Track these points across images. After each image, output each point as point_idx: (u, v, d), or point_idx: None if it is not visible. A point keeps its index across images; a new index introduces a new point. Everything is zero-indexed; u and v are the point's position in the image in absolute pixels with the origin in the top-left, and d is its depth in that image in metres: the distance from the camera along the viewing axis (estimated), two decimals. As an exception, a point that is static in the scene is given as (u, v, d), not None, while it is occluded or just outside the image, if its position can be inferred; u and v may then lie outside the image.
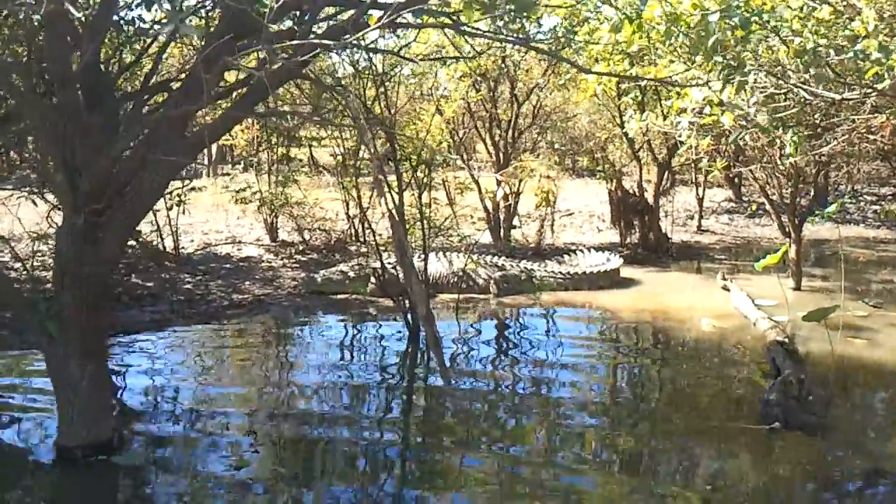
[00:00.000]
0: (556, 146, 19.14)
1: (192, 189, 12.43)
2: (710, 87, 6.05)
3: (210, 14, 5.81)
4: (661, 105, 12.18)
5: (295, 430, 6.14)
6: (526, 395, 7.04)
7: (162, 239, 12.05)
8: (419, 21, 4.80)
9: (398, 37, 8.60)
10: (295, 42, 3.86)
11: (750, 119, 5.43)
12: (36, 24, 5.23)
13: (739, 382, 7.31)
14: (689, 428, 6.18)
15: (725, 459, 5.59)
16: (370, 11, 4.37)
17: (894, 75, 4.61)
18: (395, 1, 3.80)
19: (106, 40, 6.57)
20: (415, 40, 8.02)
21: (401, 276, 8.60)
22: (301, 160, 15.40)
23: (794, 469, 5.48)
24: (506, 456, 5.79)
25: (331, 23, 5.07)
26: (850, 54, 4.61)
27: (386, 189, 8.15)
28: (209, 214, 15.84)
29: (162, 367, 7.55)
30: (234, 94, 5.69)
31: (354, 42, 4.37)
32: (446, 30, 6.18)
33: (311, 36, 4.53)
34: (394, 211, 4.02)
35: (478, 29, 5.54)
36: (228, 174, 20.52)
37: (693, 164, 15.59)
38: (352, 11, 4.54)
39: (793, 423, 5.86)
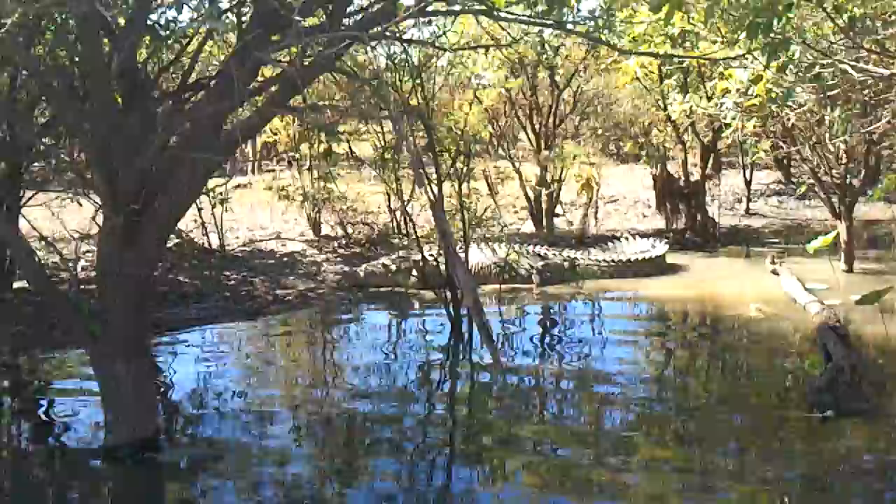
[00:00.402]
0: (600, 131, 18.95)
1: (238, 186, 12.55)
2: (752, 65, 5.90)
3: (243, 11, 5.80)
4: (704, 87, 11.93)
5: (340, 429, 6.13)
6: (572, 389, 6.94)
7: (207, 236, 12.17)
8: (450, 9, 4.73)
9: (437, 27, 8.54)
10: (325, 35, 3.81)
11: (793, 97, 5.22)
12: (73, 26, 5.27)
13: (790, 369, 7.13)
14: (741, 419, 6.03)
15: (777, 450, 5.43)
16: (400, 1, 4.31)
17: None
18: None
19: (144, 40, 6.66)
20: (449, 30, 7.92)
21: (442, 267, 8.67)
22: (341, 154, 15.42)
23: (848, 457, 5.30)
24: (552, 447, 5.71)
25: (361, 15, 5.03)
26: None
27: (426, 180, 8.15)
28: (254, 210, 15.96)
29: (206, 365, 7.59)
30: (269, 90, 5.67)
31: (385, 33, 4.32)
32: (483, 18, 6.13)
33: (342, 28, 4.50)
34: (435, 201, 3.95)
35: (511, 13, 5.46)
36: (272, 170, 20.78)
37: (740, 147, 15.28)
38: (381, 3, 4.49)
39: (845, 409, 5.69)
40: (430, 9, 5.12)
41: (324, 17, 5.55)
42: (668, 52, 8.02)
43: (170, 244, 11.21)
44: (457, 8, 4.83)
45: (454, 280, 8.44)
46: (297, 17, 3.76)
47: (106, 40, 5.21)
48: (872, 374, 6.38)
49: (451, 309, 8.41)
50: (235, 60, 4.33)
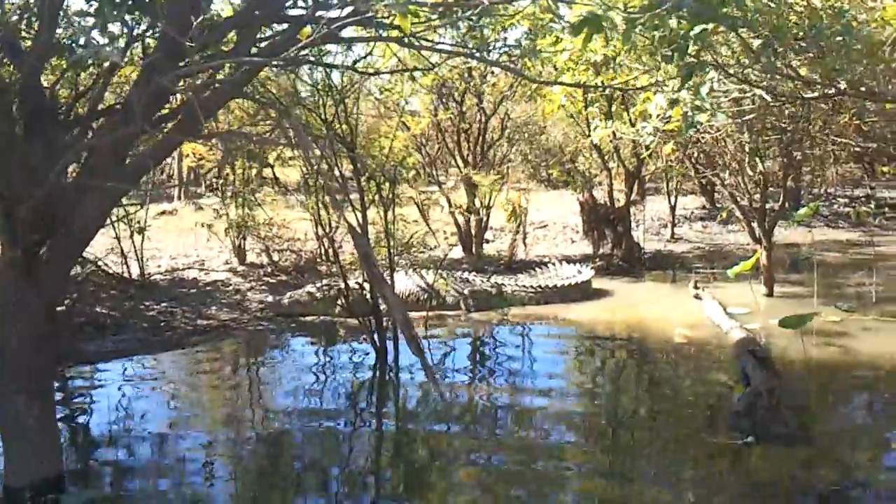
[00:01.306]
0: (530, 157, 19.10)
1: (163, 213, 12.27)
2: (664, 89, 5.95)
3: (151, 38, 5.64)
4: (628, 113, 12.10)
5: (262, 467, 5.94)
6: (501, 412, 6.88)
7: (127, 264, 11.82)
8: (359, 36, 4.65)
9: (360, 52, 8.47)
10: (224, 60, 3.69)
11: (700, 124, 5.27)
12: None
13: (713, 394, 7.19)
14: (665, 444, 6.01)
15: (699, 474, 5.44)
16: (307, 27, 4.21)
17: (852, 71, 4.50)
18: (328, 16, 3.65)
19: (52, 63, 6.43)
20: (368, 55, 7.83)
21: (367, 295, 8.54)
22: (266, 180, 15.18)
23: (766, 483, 5.32)
24: (485, 471, 5.63)
25: (268, 42, 4.91)
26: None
27: (344, 205, 8.04)
28: (178, 238, 15.59)
29: (121, 399, 7.31)
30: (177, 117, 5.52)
31: (293, 58, 4.21)
32: (409, 43, 6.07)
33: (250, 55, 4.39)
34: (354, 226, 3.85)
35: (427, 40, 5.41)
36: (200, 196, 20.40)
37: (664, 173, 15.54)
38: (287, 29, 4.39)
39: (763, 434, 5.72)
40: (345, 34, 5.05)
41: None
42: (587, 82, 8.08)
43: (85, 273, 10.93)
44: (371, 35, 4.74)
45: (379, 308, 8.34)
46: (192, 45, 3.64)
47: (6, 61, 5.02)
48: (791, 398, 6.44)
49: (375, 337, 8.30)
50: (137, 87, 4.17)
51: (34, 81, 5.04)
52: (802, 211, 8.58)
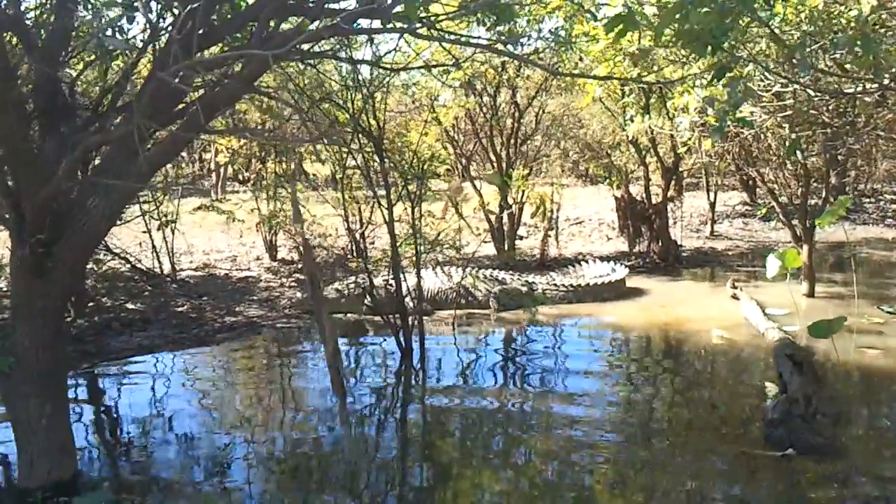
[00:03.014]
0: (570, 153, 18.81)
1: (199, 208, 12.27)
2: (698, 83, 5.72)
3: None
4: (665, 107, 11.79)
5: (286, 470, 5.80)
6: (528, 418, 6.66)
7: (159, 260, 11.83)
8: (373, 27, 4.48)
9: (384, 47, 8.32)
10: (228, 55, 3.55)
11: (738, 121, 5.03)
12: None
13: (750, 400, 6.89)
14: (698, 455, 5.69)
15: (732, 491, 5.16)
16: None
17: (889, 67, 4.23)
18: (338, 8, 3.49)
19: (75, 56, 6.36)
20: (396, 49, 7.66)
21: (394, 294, 8.39)
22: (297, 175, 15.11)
23: (800, 499, 5.06)
24: (512, 478, 5.44)
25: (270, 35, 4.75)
26: (835, 47, 4.23)
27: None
28: (213, 233, 15.62)
29: (144, 398, 7.25)
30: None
31: (296, 52, 4.06)
32: (441, 37, 5.89)
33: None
34: (303, 235, 3.69)
35: (448, 33, 5.22)
36: (236, 192, 20.41)
37: (704, 168, 15.18)
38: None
39: (798, 445, 5.45)
40: (360, 27, 4.88)
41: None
42: (621, 75, 7.81)
43: (110, 269, 10.94)
44: (394, 27, 4.56)
45: (405, 307, 8.19)
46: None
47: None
48: (830, 406, 6.14)
49: (400, 336, 8.15)
50: (147, 82, 4.05)
51: (49, 75, 4.95)
52: (826, 214, 8.17)
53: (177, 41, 4.05)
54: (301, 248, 12.57)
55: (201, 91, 4.81)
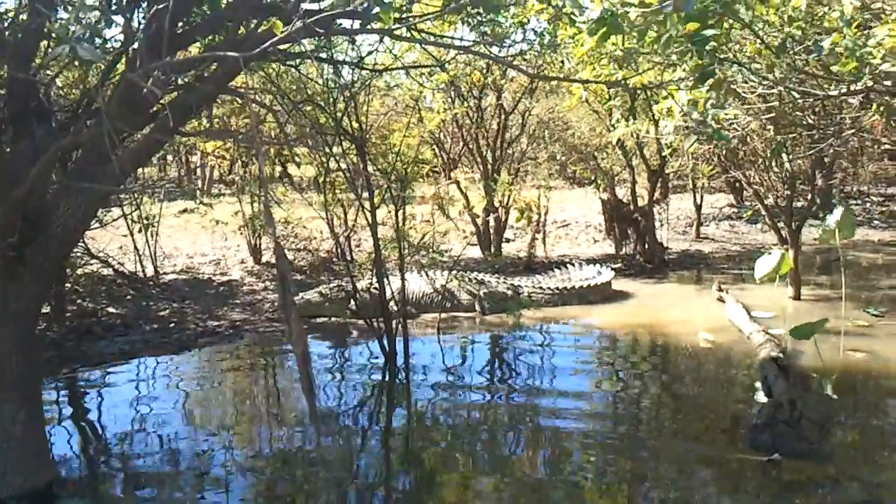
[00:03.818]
0: (557, 155, 18.75)
1: (184, 211, 12.18)
2: (682, 87, 5.67)
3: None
4: (651, 110, 11.74)
5: (269, 463, 5.80)
6: (514, 422, 6.61)
7: (142, 264, 11.71)
8: (346, 28, 4.40)
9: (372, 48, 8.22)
10: (190, 58, 3.47)
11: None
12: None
13: (734, 404, 6.85)
14: (685, 464, 5.62)
15: (718, 498, 5.12)
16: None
17: (873, 69, 4.19)
18: (312, 8, 3.41)
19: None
20: (374, 50, 7.59)
21: (378, 297, 8.31)
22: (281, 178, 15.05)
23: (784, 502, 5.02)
24: (496, 485, 5.37)
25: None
26: (819, 52, 4.18)
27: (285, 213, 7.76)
28: (197, 237, 15.49)
29: (122, 403, 7.13)
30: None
31: (268, 52, 3.98)
32: (421, 39, 5.82)
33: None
34: (275, 238, 3.61)
35: (429, 34, 5.16)
36: (222, 195, 20.29)
37: (690, 170, 15.15)
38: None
39: (783, 450, 5.40)
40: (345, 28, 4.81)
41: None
42: (605, 79, 7.75)
43: (92, 272, 10.83)
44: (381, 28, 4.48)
45: (388, 311, 8.11)
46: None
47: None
48: (815, 410, 6.06)
49: (384, 341, 8.07)
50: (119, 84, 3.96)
51: (21, 77, 4.85)
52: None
53: (144, 42, 3.97)
54: (274, 253, 12.53)
55: (175, 93, 4.73)
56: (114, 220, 10.98)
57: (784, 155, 9.13)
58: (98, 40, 5.04)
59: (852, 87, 5.35)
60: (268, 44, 3.15)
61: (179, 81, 4.44)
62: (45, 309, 9.13)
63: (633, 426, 6.46)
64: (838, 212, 8.04)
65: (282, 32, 3.11)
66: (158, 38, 4.08)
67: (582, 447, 5.96)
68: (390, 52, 7.28)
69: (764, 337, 7.91)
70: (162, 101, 5.04)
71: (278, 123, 4.54)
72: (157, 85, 3.49)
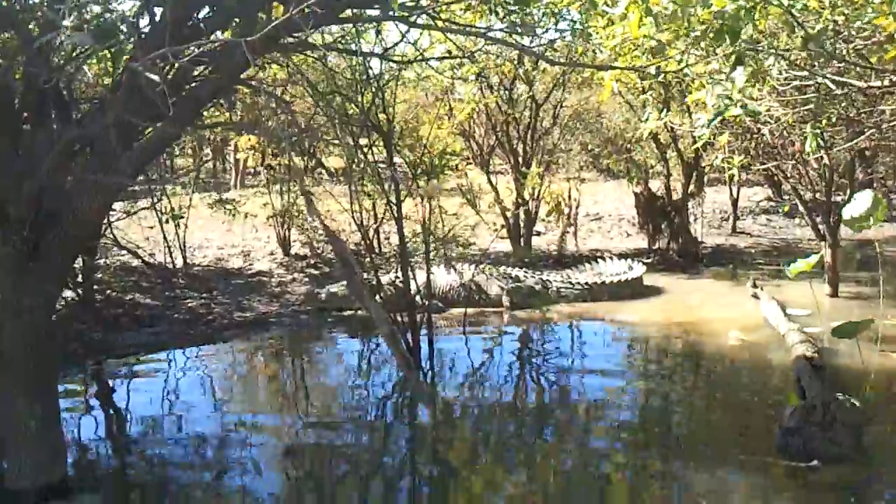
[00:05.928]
0: (590, 147, 18.50)
1: (218, 202, 12.17)
2: (714, 78, 5.47)
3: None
4: (685, 102, 11.48)
5: (295, 457, 5.77)
6: (540, 421, 6.51)
7: (171, 255, 11.73)
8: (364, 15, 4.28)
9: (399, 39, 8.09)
10: (193, 45, 3.37)
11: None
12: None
13: (766, 406, 6.62)
14: (717, 468, 5.43)
15: (750, 497, 4.96)
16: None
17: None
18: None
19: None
20: (402, 41, 7.44)
21: (405, 289, 8.20)
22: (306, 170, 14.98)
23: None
24: (523, 482, 5.29)
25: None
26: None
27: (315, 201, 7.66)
28: (229, 228, 15.49)
29: (149, 394, 7.13)
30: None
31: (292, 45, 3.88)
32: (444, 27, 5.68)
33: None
34: (324, 224, 3.52)
35: (453, 23, 5.03)
36: (254, 186, 20.30)
37: (720, 161, 14.82)
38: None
39: (815, 454, 5.20)
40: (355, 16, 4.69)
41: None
42: (636, 67, 7.55)
43: (116, 263, 10.86)
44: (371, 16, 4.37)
45: (413, 304, 8.00)
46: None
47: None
48: (849, 413, 5.84)
49: (408, 336, 7.96)
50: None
51: (37, 66, 4.80)
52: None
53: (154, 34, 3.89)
54: (310, 245, 12.49)
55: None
56: (136, 211, 10.96)
57: (820, 148, 8.83)
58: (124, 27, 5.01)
59: (894, 79, 5.14)
60: (268, 28, 3.04)
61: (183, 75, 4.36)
62: (74, 299, 9.21)
63: (664, 427, 6.30)
64: (863, 196, 7.71)
65: (282, 16, 3.00)
66: (167, 28, 4.01)
67: (611, 446, 5.85)
68: (413, 45, 7.12)
69: (799, 336, 7.67)
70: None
71: (287, 115, 4.44)
72: (156, 73, 3.41)
